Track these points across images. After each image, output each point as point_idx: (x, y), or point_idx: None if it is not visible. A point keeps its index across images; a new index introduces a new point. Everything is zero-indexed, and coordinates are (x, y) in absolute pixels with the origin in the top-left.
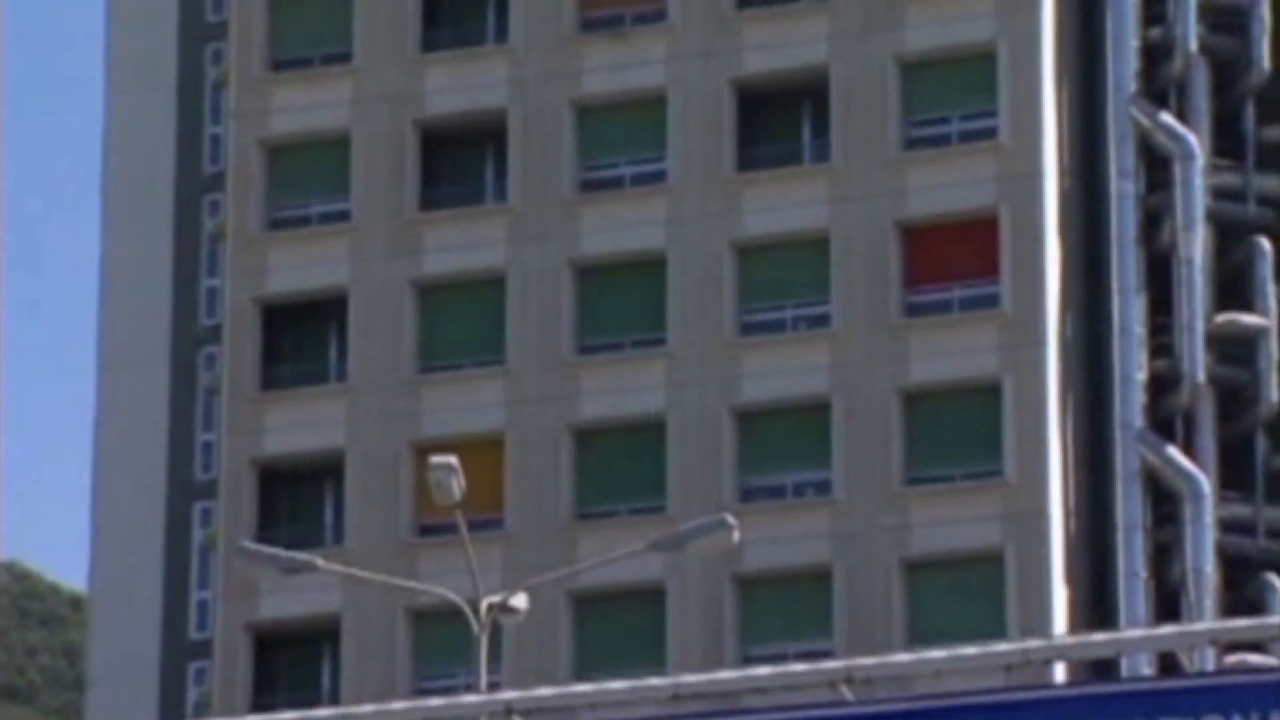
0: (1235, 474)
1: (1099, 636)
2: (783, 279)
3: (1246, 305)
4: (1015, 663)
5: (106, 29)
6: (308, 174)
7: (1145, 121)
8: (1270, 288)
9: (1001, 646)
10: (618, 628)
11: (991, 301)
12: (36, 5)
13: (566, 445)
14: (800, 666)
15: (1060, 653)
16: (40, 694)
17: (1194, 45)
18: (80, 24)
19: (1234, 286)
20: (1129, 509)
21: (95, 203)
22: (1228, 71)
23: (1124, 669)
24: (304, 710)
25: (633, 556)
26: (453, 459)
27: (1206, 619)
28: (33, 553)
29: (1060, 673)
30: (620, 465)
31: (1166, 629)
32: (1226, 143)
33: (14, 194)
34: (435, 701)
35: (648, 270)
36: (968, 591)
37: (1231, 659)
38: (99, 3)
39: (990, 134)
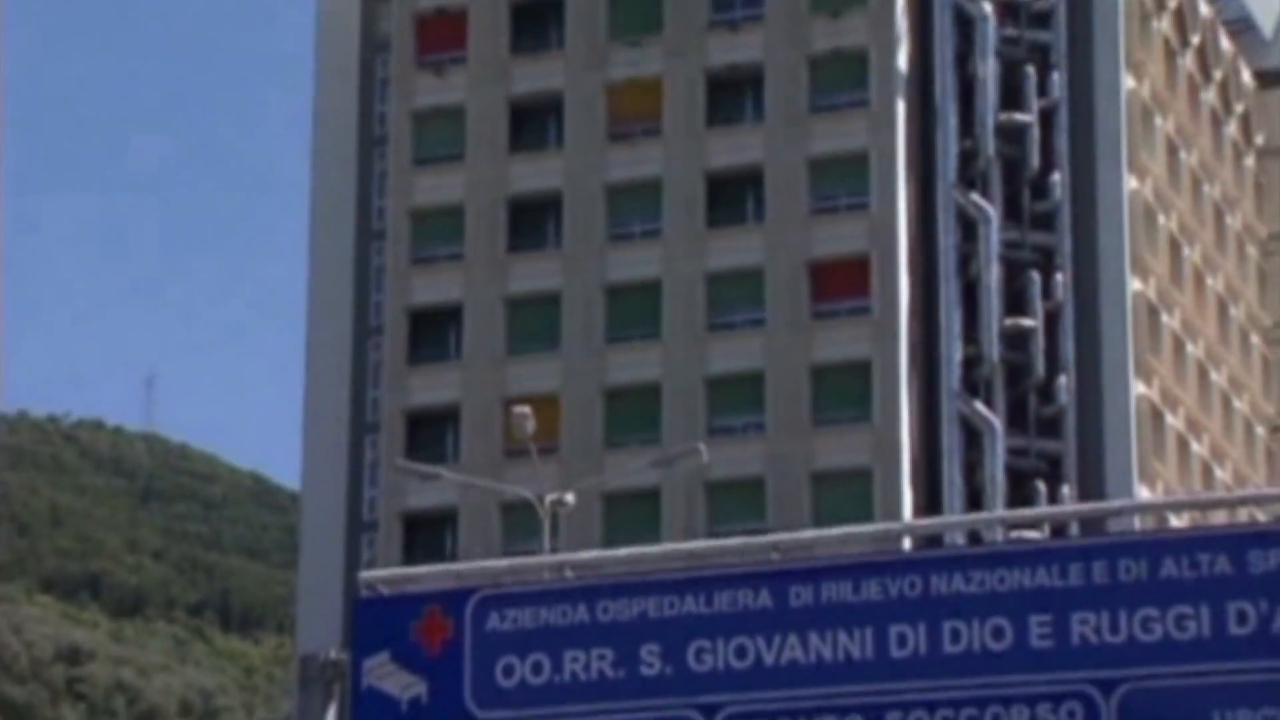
0: (1017, 419)
1: (937, 520)
2: (735, 295)
3: (1024, 313)
4: (879, 537)
5: (313, 136)
6: (437, 229)
7: (961, 199)
8: (1039, 304)
9: (869, 527)
10: (631, 516)
11: (866, 311)
12: (261, 128)
13: (599, 401)
14: (745, 540)
15: (910, 530)
16: (271, 555)
17: (992, 151)
18: (292, 133)
19: (1016, 302)
20: (950, 441)
21: (304, 246)
22: (1013, 168)
23: (945, 541)
24: (444, 565)
25: (640, 471)
26: (527, 409)
27: (999, 510)
28: (267, 465)
29: (907, 544)
30: (632, 413)
31: (976, 515)
32: (1012, 212)
33: (244, 242)
34: (519, 561)
35: (650, 291)
36: (850, 493)
37: (1014, 534)
38: (307, 121)
39: (864, 206)
